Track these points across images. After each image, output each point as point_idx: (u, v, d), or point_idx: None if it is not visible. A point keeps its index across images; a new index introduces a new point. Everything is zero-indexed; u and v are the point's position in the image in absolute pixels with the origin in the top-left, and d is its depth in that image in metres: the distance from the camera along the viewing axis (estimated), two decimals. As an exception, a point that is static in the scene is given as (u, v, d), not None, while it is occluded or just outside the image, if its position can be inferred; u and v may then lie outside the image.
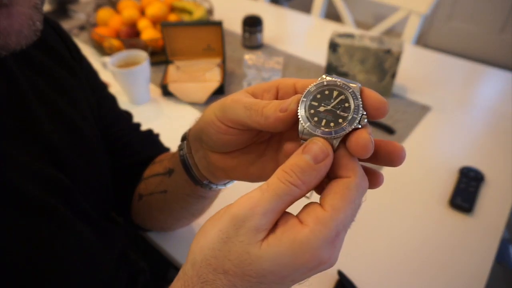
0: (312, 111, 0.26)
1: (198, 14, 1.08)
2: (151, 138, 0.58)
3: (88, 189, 0.42)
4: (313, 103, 0.27)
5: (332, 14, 1.62)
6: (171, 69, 0.94)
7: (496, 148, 0.76)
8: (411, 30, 1.24)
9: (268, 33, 1.16)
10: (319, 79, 0.28)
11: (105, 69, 0.89)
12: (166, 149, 0.57)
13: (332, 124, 0.26)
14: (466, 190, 0.64)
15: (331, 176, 0.25)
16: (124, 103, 0.86)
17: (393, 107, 0.86)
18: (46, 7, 1.29)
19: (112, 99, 0.57)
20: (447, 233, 0.59)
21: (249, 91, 0.31)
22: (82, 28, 1.19)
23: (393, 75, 0.86)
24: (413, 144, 0.76)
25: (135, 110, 0.64)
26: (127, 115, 0.59)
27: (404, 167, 0.70)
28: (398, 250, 0.56)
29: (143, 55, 0.84)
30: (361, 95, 0.26)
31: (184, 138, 0.39)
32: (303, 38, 1.24)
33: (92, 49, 1.08)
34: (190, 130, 0.37)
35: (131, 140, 0.54)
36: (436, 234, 0.59)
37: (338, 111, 0.26)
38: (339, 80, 0.27)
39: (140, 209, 0.51)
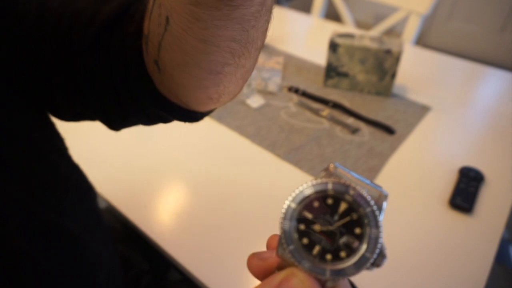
0: (302, 226, 0.18)
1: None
2: None
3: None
4: (306, 214, 0.18)
5: (332, 14, 1.62)
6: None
7: (496, 148, 0.76)
8: (411, 30, 1.24)
9: (268, 33, 1.16)
10: (323, 172, 0.19)
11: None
12: None
13: (329, 256, 0.17)
14: (466, 190, 0.64)
15: None
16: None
17: (393, 107, 0.86)
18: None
19: None
20: (447, 233, 0.59)
21: None
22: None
23: (393, 75, 0.86)
24: (413, 144, 0.76)
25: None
26: None
27: (404, 167, 0.70)
28: (397, 250, 0.56)
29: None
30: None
31: None
32: (303, 38, 1.24)
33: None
34: None
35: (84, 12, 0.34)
36: (436, 234, 0.59)
37: (342, 239, 0.17)
38: (353, 182, 0.18)
39: (166, 81, 0.32)
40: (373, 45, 0.84)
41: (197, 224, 0.60)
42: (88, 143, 0.73)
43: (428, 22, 2.69)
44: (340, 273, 0.17)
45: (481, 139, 0.79)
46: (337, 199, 0.18)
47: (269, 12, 0.28)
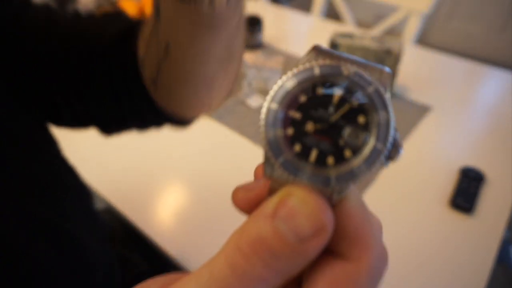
0: (290, 130, 0.14)
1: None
2: (108, 16, 0.40)
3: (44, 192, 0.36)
4: (293, 114, 0.14)
5: (332, 14, 1.62)
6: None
7: (497, 148, 0.76)
8: (412, 29, 1.24)
9: (268, 33, 1.16)
10: (305, 56, 0.15)
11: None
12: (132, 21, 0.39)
13: (330, 159, 0.13)
14: (467, 190, 0.64)
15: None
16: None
17: (393, 107, 0.86)
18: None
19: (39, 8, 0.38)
20: (448, 233, 0.59)
21: None
22: (82, 28, 1.19)
23: (393, 75, 0.86)
24: (413, 144, 0.76)
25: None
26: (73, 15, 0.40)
27: (405, 167, 0.70)
28: (398, 250, 0.56)
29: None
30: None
31: None
32: (303, 38, 1.24)
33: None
34: None
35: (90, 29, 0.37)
36: (437, 234, 0.59)
37: (343, 134, 0.13)
38: (344, 61, 0.14)
39: (163, 94, 0.37)
40: (373, 45, 0.84)
41: (197, 224, 0.60)
42: (88, 143, 0.73)
43: (429, 22, 2.69)
44: (349, 177, 0.13)
45: (481, 139, 0.79)
46: (329, 85, 0.14)
47: (243, 24, 0.33)
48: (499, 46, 2.51)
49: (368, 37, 0.88)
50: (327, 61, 0.14)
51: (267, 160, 0.14)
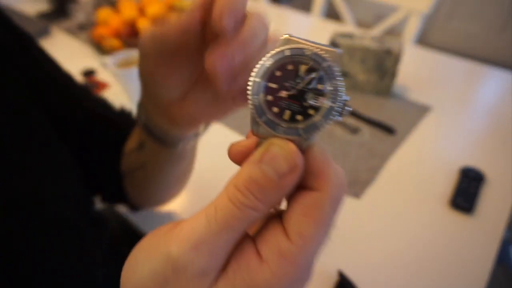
0: (269, 97, 0.19)
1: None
2: (124, 113, 0.53)
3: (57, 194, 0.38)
4: (271, 85, 0.19)
5: (332, 13, 1.62)
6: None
7: (497, 148, 0.76)
8: (412, 29, 1.24)
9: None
10: (278, 43, 0.19)
11: (105, 69, 0.89)
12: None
13: (299, 117, 0.18)
14: (467, 190, 0.64)
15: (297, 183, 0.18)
16: (124, 103, 0.85)
17: (393, 107, 0.86)
18: (46, 7, 1.29)
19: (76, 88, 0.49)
20: (448, 233, 0.59)
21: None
22: (82, 28, 1.19)
23: (393, 75, 0.86)
24: (413, 144, 0.76)
25: (135, 110, 0.64)
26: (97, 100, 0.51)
27: (404, 167, 0.70)
28: (398, 250, 0.56)
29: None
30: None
31: (138, 106, 0.37)
32: (303, 37, 1.24)
33: (92, 49, 1.08)
34: (140, 98, 0.36)
35: (103, 116, 0.49)
36: (437, 234, 0.59)
37: (307, 98, 0.18)
38: (307, 45, 0.19)
39: (128, 187, 0.49)
40: (373, 45, 0.84)
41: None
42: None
43: (429, 22, 2.69)
44: (313, 128, 0.18)
45: (481, 139, 0.79)
46: (296, 62, 0.19)
47: (194, 148, 0.44)
48: (499, 46, 2.51)
49: (368, 37, 0.88)
50: (295, 45, 0.19)
51: (253, 120, 0.19)
